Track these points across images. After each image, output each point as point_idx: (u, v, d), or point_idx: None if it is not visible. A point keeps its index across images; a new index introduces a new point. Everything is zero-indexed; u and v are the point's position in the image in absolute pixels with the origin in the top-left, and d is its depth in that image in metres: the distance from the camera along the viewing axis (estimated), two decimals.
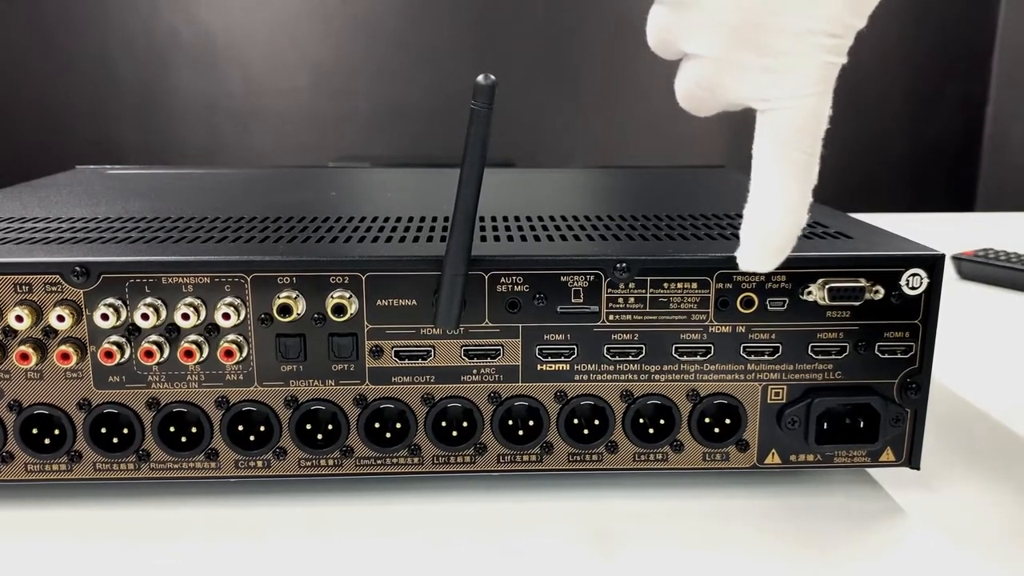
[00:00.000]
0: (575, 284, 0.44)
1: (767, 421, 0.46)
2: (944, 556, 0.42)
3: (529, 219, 0.53)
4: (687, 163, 1.09)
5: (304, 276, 0.43)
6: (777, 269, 0.41)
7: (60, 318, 0.42)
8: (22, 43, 2.47)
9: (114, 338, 0.43)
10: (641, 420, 0.46)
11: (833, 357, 0.45)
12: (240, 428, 0.45)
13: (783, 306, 0.44)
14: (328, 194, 0.69)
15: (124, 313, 0.43)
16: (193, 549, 0.42)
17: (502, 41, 2.54)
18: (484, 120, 0.39)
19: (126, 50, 2.50)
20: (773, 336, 0.45)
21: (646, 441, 0.46)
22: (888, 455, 0.46)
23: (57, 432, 0.44)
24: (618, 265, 0.44)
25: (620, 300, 0.44)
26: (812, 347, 0.45)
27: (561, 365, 0.45)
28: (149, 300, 0.43)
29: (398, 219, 0.53)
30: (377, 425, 0.45)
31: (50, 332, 0.43)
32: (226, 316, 0.43)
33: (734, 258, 0.41)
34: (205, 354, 0.43)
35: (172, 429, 0.45)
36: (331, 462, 0.46)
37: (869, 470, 0.49)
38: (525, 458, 0.46)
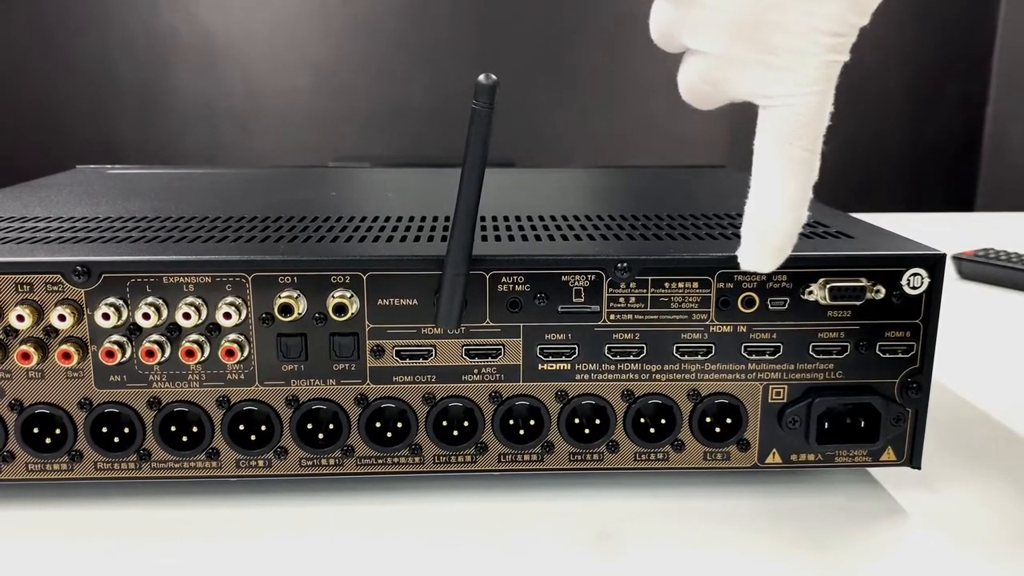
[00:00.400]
0: (576, 284, 0.44)
1: (768, 421, 0.46)
2: (945, 556, 0.42)
3: (530, 219, 0.53)
4: (687, 163, 1.09)
5: (305, 276, 0.43)
6: (778, 269, 0.41)
7: (61, 317, 0.42)
8: (22, 43, 2.47)
9: (115, 337, 0.43)
10: (642, 420, 0.46)
11: (834, 357, 0.45)
12: (241, 428, 0.45)
13: (784, 306, 0.44)
14: (328, 194, 0.69)
15: (125, 312, 0.43)
16: (194, 549, 0.42)
17: (502, 41, 2.54)
18: (485, 120, 0.39)
19: (126, 50, 2.50)
20: (774, 336, 0.45)
21: (647, 441, 0.46)
22: (889, 455, 0.46)
23: (58, 431, 0.44)
24: (619, 265, 0.44)
25: (621, 300, 0.44)
26: (813, 347, 0.45)
27: (562, 365, 0.45)
28: (150, 299, 0.43)
29: (399, 219, 0.53)
30: (378, 425, 0.45)
31: (51, 331, 0.43)
32: (227, 316, 0.43)
33: (735, 258, 0.41)
34: (206, 353, 0.43)
35: (173, 428, 0.45)
36: (332, 462, 0.46)
37: (870, 470, 0.49)
38: (526, 457, 0.46)
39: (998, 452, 0.52)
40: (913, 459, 0.46)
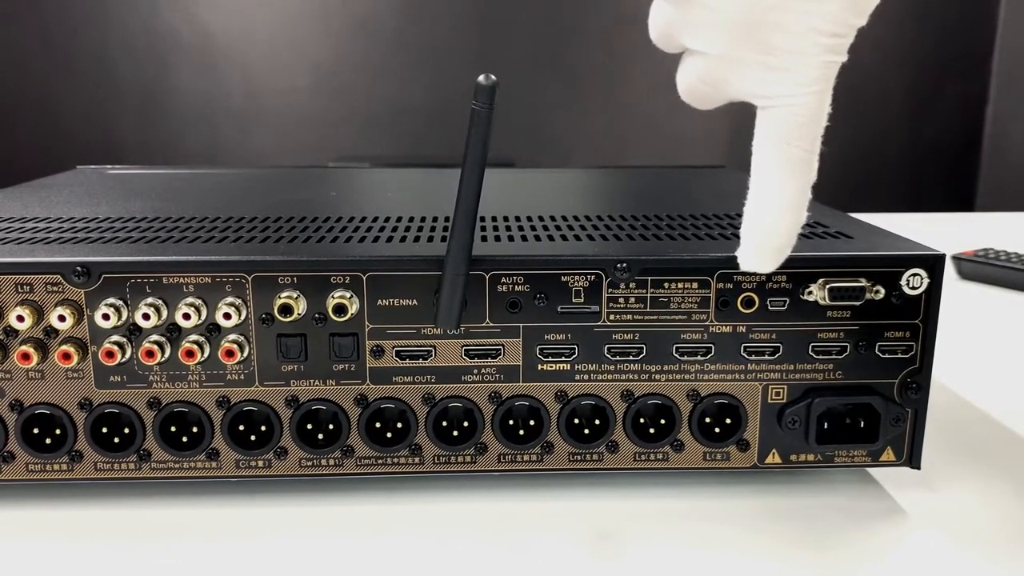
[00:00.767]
0: (576, 284, 0.44)
1: (767, 421, 0.46)
2: (944, 556, 0.42)
3: (529, 219, 0.53)
4: (687, 163, 1.09)
5: (305, 276, 0.43)
6: (777, 269, 0.41)
7: (61, 318, 0.42)
8: (22, 43, 2.47)
9: (115, 338, 0.43)
10: (642, 420, 0.46)
11: (833, 357, 0.45)
12: (241, 428, 0.45)
13: (784, 306, 0.44)
14: (328, 194, 0.69)
15: (125, 313, 0.43)
16: (193, 549, 0.42)
17: (502, 41, 2.54)
18: (485, 120, 0.39)
19: (126, 50, 2.50)
20: (774, 336, 0.45)
21: (647, 441, 0.46)
22: (888, 455, 0.46)
23: (58, 432, 0.44)
24: (619, 265, 0.44)
25: (621, 300, 0.44)
26: (813, 347, 0.45)
27: (562, 365, 0.45)
28: (150, 300, 0.43)
29: (399, 219, 0.53)
30: (378, 425, 0.45)
31: (51, 332, 0.43)
32: (227, 316, 0.43)
33: (735, 258, 0.41)
34: (206, 354, 0.43)
35: (173, 429, 0.45)
36: (332, 462, 0.46)
37: (869, 470, 0.49)
38: (526, 458, 0.46)
39: (998, 452, 0.52)
40: (912, 459, 0.46)
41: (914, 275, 0.44)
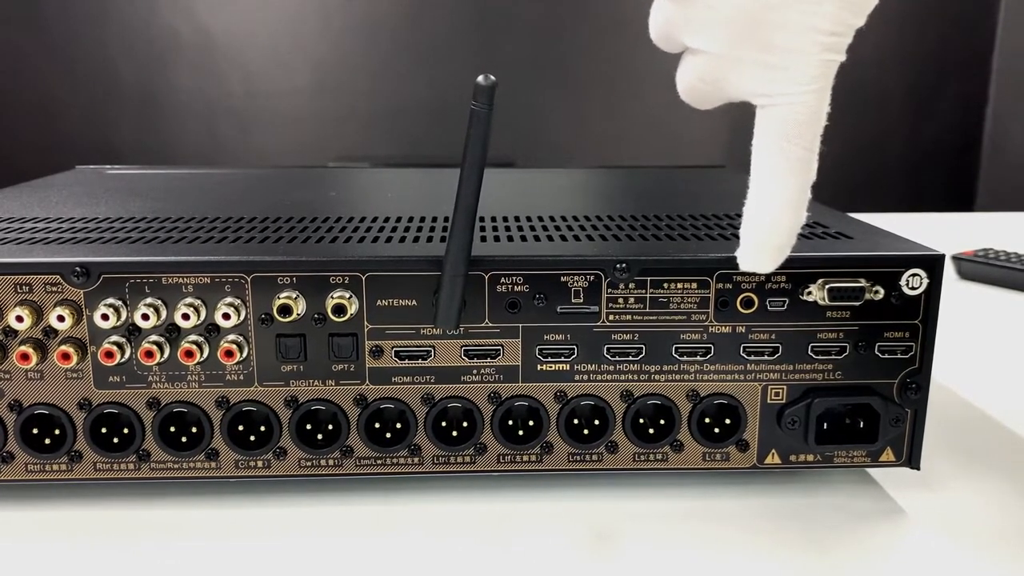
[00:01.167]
0: (575, 284, 0.44)
1: (767, 421, 0.46)
2: (944, 556, 0.42)
3: (529, 219, 0.53)
4: (687, 163, 1.09)
5: (304, 276, 0.43)
6: (777, 269, 0.41)
7: (60, 318, 0.42)
8: (22, 43, 2.47)
9: (114, 338, 0.43)
10: (641, 420, 0.46)
11: (833, 357, 0.45)
12: (240, 428, 0.45)
13: (783, 306, 0.44)
14: (328, 194, 0.69)
15: (124, 313, 0.43)
16: (193, 549, 0.42)
17: (502, 41, 2.54)
18: (484, 120, 0.39)
19: (126, 50, 2.50)
20: (773, 336, 0.45)
21: (646, 441, 0.46)
22: (888, 455, 0.46)
23: (57, 432, 0.44)
24: (618, 265, 0.44)
25: (620, 300, 0.44)
26: (812, 347, 0.45)
27: (561, 365, 0.45)
28: (149, 300, 0.43)
29: (398, 219, 0.53)
30: (377, 425, 0.45)
31: (50, 332, 0.43)
32: (226, 316, 0.43)
33: (734, 258, 0.41)
34: (205, 354, 0.43)
35: (172, 429, 0.45)
36: (331, 462, 0.46)
37: (869, 470, 0.49)
38: (525, 458, 0.46)
39: (997, 452, 0.52)
40: (912, 459, 0.46)
41: (914, 275, 0.44)
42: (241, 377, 0.44)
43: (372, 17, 2.53)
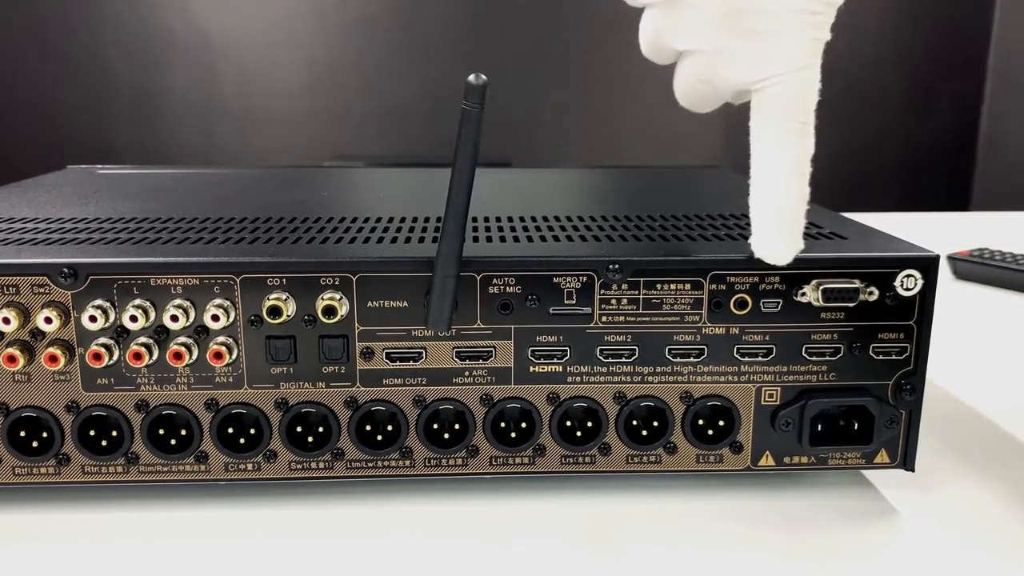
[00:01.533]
0: (568, 285, 0.44)
1: (761, 423, 0.46)
2: (938, 558, 0.41)
3: (522, 220, 0.52)
4: (681, 163, 1.09)
5: (294, 277, 0.43)
6: (771, 270, 0.40)
7: (48, 320, 0.42)
8: (16, 42, 2.47)
9: (102, 340, 0.43)
10: (634, 422, 0.46)
11: (827, 358, 0.45)
12: (230, 431, 0.45)
13: (777, 307, 0.44)
14: (319, 194, 0.69)
15: (112, 315, 0.42)
16: (182, 553, 0.42)
17: (496, 40, 2.54)
18: (475, 120, 0.39)
19: (121, 49, 2.49)
20: (767, 337, 0.45)
21: (639, 443, 0.45)
22: (882, 457, 0.46)
23: (45, 435, 0.44)
24: (611, 266, 0.43)
25: (613, 301, 0.44)
26: (806, 348, 0.45)
27: (554, 367, 0.45)
28: (138, 302, 0.42)
29: (390, 220, 0.52)
30: (368, 427, 0.45)
31: (37, 334, 0.42)
32: (215, 318, 0.42)
33: (728, 258, 0.41)
34: (194, 356, 0.43)
35: (161, 432, 0.44)
36: (322, 465, 0.45)
37: (863, 472, 0.49)
38: (517, 460, 0.46)
39: (992, 454, 0.52)
40: (907, 461, 0.46)
41: (908, 276, 0.44)
42: (231, 379, 0.44)
43: (366, 17, 2.52)
